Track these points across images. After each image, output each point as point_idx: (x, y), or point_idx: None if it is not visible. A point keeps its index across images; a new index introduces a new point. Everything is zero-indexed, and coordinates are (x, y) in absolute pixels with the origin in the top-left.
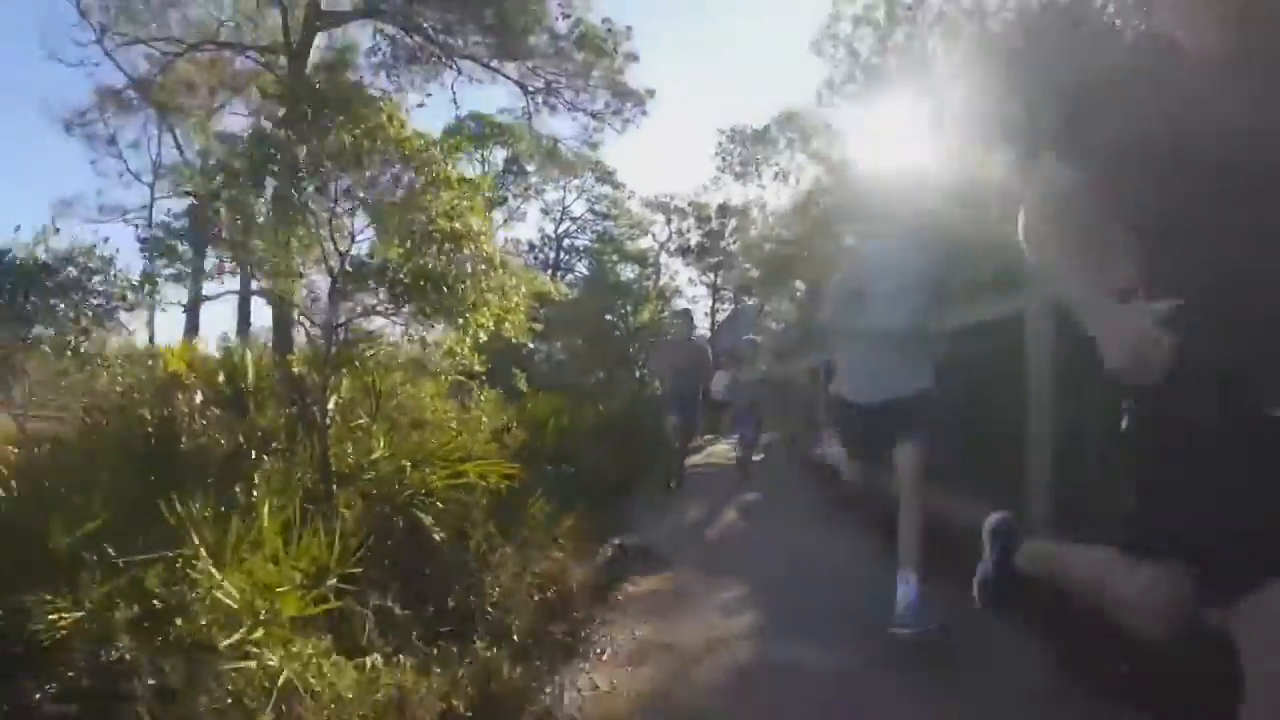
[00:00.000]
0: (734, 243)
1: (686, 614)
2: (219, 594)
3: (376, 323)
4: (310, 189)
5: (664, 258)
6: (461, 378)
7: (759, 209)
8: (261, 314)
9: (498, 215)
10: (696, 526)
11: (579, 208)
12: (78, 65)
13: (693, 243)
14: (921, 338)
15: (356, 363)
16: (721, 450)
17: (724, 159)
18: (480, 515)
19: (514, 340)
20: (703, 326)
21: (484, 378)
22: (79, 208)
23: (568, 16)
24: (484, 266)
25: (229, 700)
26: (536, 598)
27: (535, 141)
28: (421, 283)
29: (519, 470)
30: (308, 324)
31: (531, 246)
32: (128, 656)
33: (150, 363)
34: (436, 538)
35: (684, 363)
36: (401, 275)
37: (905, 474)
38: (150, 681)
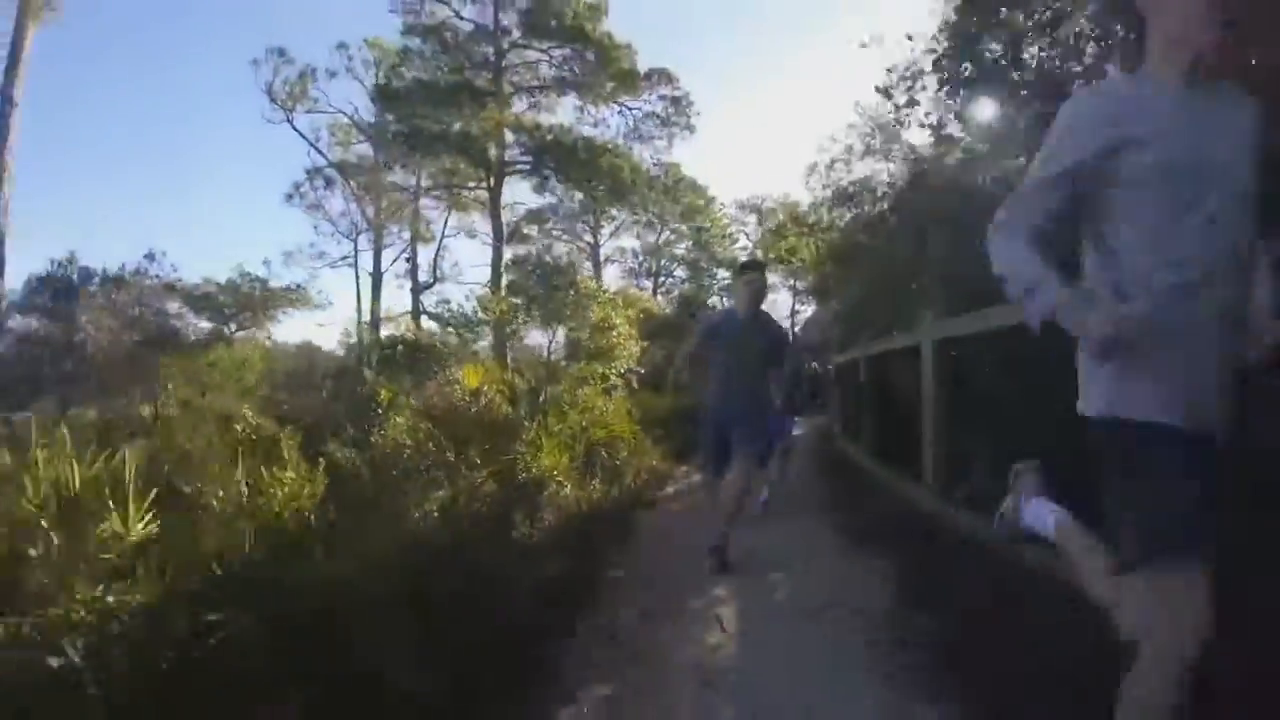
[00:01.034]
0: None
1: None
2: (547, 464)
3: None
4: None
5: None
6: (606, 386)
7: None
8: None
9: (606, 228)
10: None
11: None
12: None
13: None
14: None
15: (560, 378)
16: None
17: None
18: (621, 448)
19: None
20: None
21: (618, 386)
22: (297, 255)
23: (659, 164)
24: (623, 341)
25: (550, 506)
26: (644, 473)
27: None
28: (598, 350)
29: (637, 430)
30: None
31: (635, 254)
32: (523, 480)
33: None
34: (604, 455)
35: (741, 348)
36: (590, 347)
37: None
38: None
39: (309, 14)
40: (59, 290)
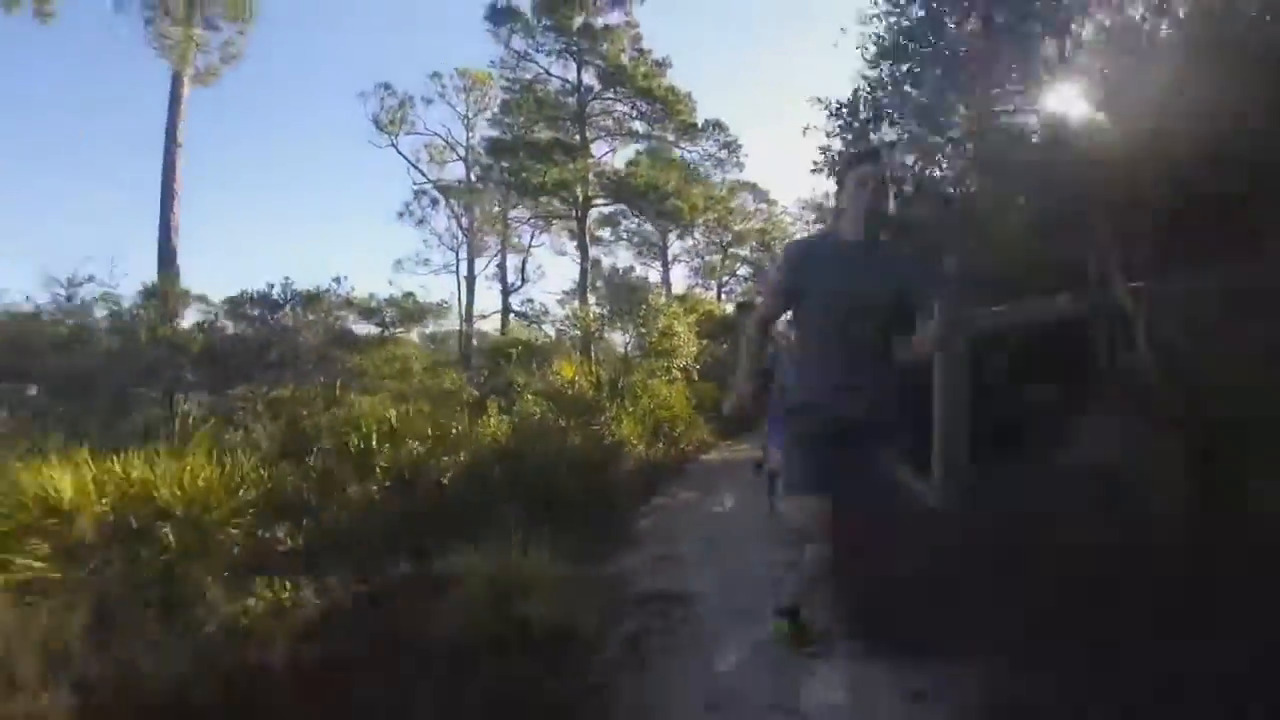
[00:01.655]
0: None
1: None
2: (625, 432)
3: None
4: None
5: None
6: (669, 378)
7: None
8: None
9: (673, 231)
10: None
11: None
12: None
13: None
14: None
15: (633, 371)
16: None
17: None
18: (679, 424)
19: (689, 363)
20: None
21: (678, 378)
22: (406, 263)
23: (713, 200)
24: (683, 343)
25: (631, 462)
26: (695, 442)
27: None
28: (663, 350)
29: (692, 412)
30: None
31: (700, 255)
32: (607, 443)
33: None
34: (666, 429)
35: (854, 294)
36: (657, 347)
37: None
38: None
39: (402, 42)
40: (268, 303)
